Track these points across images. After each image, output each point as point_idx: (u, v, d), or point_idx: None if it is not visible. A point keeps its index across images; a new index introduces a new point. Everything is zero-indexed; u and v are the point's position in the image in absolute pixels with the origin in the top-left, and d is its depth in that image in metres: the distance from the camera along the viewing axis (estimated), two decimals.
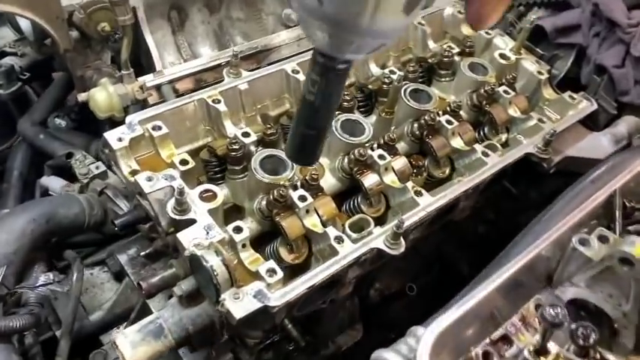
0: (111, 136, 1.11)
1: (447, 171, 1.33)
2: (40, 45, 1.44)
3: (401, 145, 1.34)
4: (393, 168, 1.21)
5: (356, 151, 1.18)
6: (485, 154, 1.26)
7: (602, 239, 0.82)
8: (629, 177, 0.93)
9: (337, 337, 1.61)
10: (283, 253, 1.10)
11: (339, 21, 0.57)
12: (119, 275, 1.36)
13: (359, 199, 1.21)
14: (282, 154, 1.14)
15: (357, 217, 1.17)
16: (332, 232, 1.06)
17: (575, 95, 1.44)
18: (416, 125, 1.31)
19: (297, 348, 1.36)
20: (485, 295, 0.77)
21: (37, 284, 1.07)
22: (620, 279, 0.77)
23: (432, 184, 1.33)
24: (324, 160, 1.26)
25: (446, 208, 1.22)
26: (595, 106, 1.43)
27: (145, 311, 1.26)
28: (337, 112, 1.24)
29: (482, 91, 1.38)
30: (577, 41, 1.62)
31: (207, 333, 1.05)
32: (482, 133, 1.42)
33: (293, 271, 1.09)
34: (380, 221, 1.20)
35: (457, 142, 1.30)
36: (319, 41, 0.60)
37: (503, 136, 1.42)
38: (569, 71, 1.64)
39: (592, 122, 1.48)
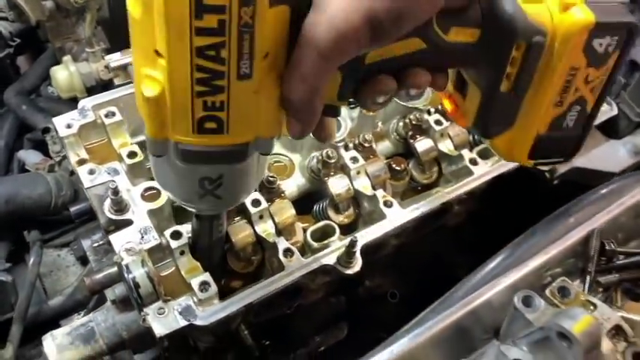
0: (59, 121, 1.04)
1: (434, 176, 1.21)
2: (19, 13, 1.37)
3: (385, 145, 1.22)
4: (366, 172, 1.09)
5: (324, 151, 1.07)
6: (474, 162, 1.12)
7: (563, 292, 0.69)
8: (617, 212, 0.78)
9: (316, 336, 1.54)
10: (231, 261, 1.02)
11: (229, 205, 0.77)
12: (85, 260, 1.32)
13: (326, 203, 1.10)
14: None
15: (321, 223, 1.07)
16: (282, 244, 0.96)
17: None
18: (401, 124, 1.19)
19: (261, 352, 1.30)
20: (415, 345, 0.66)
21: None
22: (565, 352, 0.65)
23: (418, 190, 1.21)
24: (295, 157, 1.15)
25: (420, 221, 1.10)
26: (615, 112, 1.25)
27: (104, 302, 1.22)
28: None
29: None
30: None
31: (145, 338, 0.99)
32: (475, 136, 1.27)
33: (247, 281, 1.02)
34: (350, 229, 1.09)
35: (446, 145, 1.17)
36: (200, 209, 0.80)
37: None
38: None
39: (612, 129, 1.30)
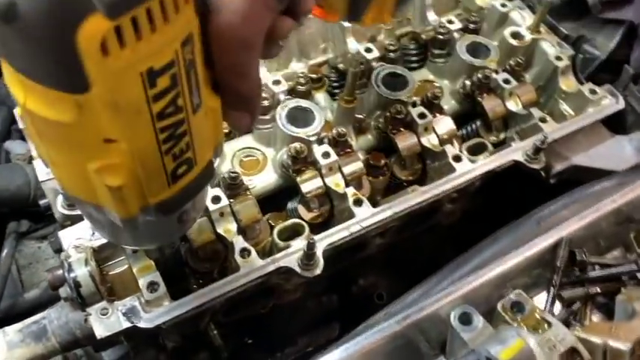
0: None
1: (417, 173, 1.13)
2: None
3: (366, 138, 1.15)
4: (339, 168, 1.03)
5: (293, 146, 1.01)
6: (457, 159, 1.04)
7: (517, 307, 0.61)
8: (592, 218, 0.70)
9: (305, 335, 1.49)
10: (192, 260, 0.97)
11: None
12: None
13: (297, 201, 1.05)
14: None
15: (289, 222, 1.01)
16: (239, 243, 0.91)
17: (597, 89, 1.16)
18: (382, 117, 1.11)
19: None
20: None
21: None
22: None
23: (403, 187, 1.14)
24: (268, 151, 1.10)
25: (402, 220, 1.04)
26: (621, 105, 1.15)
27: None
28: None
29: (475, 77, 1.15)
30: (627, 17, 1.31)
31: (101, 341, 0.96)
32: (472, 128, 1.19)
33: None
34: (324, 228, 1.03)
35: (429, 140, 1.09)
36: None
37: (501, 135, 1.19)
38: (614, 54, 1.34)
39: (619, 125, 1.20)
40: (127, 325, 0.82)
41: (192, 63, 0.48)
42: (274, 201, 1.10)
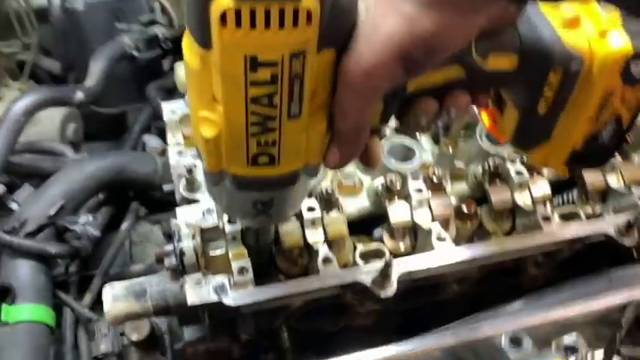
0: (167, 106, 1.19)
1: (506, 227, 1.16)
2: (170, 20, 1.60)
3: (461, 186, 1.21)
4: (430, 205, 1.09)
5: (388, 177, 1.09)
6: (546, 219, 1.07)
7: (570, 350, 0.63)
8: None
9: None
10: (280, 259, 1.07)
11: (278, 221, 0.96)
12: (170, 237, 1.45)
13: (383, 228, 1.12)
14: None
15: (373, 245, 1.09)
16: (322, 251, 1.00)
17: None
18: (480, 167, 1.17)
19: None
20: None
21: (76, 221, 1.20)
22: None
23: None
24: (366, 179, 1.18)
25: (482, 271, 1.07)
26: None
27: None
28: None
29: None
30: None
31: (189, 311, 1.07)
32: (568, 196, 1.20)
33: None
34: None
35: (522, 198, 1.12)
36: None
37: (597, 208, 1.19)
38: None
39: None
40: (214, 298, 0.92)
41: (298, 76, 0.53)
42: (364, 226, 1.18)
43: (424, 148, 1.23)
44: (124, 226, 1.38)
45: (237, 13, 0.48)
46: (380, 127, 0.69)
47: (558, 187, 1.19)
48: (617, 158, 1.17)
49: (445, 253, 1.01)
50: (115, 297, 1.04)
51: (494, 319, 0.72)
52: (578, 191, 1.20)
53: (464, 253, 1.01)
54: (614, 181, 1.16)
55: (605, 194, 1.18)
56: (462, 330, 0.65)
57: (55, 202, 1.25)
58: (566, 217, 1.14)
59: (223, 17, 0.48)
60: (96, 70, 1.63)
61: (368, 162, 0.71)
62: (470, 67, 0.64)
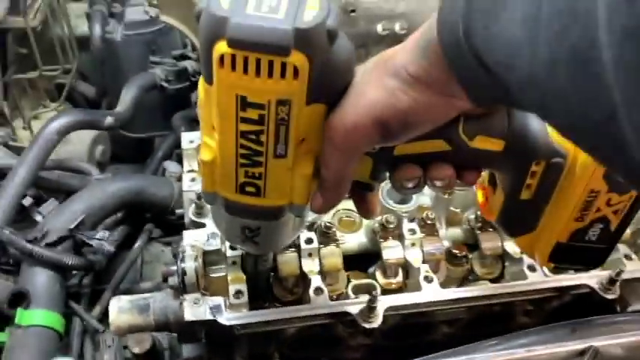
0: (186, 136, 1.28)
1: (496, 273, 1.21)
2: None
3: (455, 231, 1.26)
4: (422, 246, 1.15)
5: (384, 216, 1.16)
6: (532, 269, 1.12)
7: None
8: (627, 341, 0.75)
9: None
10: (276, 287, 1.13)
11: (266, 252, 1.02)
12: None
13: (377, 265, 1.18)
14: None
15: (365, 280, 1.15)
16: (315, 281, 1.06)
17: None
18: (473, 215, 1.23)
19: None
20: None
21: (94, 236, 1.29)
22: None
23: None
24: None
25: (472, 314, 1.12)
26: None
27: None
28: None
29: None
30: None
31: (187, 328, 1.14)
32: None
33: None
34: None
35: (512, 247, 1.17)
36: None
37: None
38: None
39: None
40: (209, 317, 0.99)
41: (284, 121, 0.58)
42: (361, 262, 1.24)
43: (423, 192, 1.30)
44: (137, 244, 1.46)
45: (233, 58, 0.55)
46: (372, 184, 0.74)
47: None
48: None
49: (430, 293, 1.07)
50: (121, 309, 1.12)
51: (461, 355, 0.77)
52: None
53: (449, 294, 1.06)
54: None
55: None
56: None
57: (76, 216, 1.34)
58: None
59: (221, 59, 0.55)
60: (127, 97, 1.75)
61: (365, 214, 0.78)
62: (455, 144, 0.66)
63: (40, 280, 1.26)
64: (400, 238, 1.16)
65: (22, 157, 1.43)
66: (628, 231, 1.21)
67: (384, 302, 1.02)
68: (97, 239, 1.29)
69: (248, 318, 1.00)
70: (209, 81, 0.60)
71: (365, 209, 0.77)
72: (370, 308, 1.00)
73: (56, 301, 1.26)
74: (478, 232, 1.20)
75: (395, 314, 1.10)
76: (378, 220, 1.17)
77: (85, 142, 1.86)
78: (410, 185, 0.70)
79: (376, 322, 1.01)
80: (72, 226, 1.32)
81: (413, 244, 1.14)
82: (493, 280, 1.21)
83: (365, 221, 1.24)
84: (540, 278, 1.10)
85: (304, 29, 0.54)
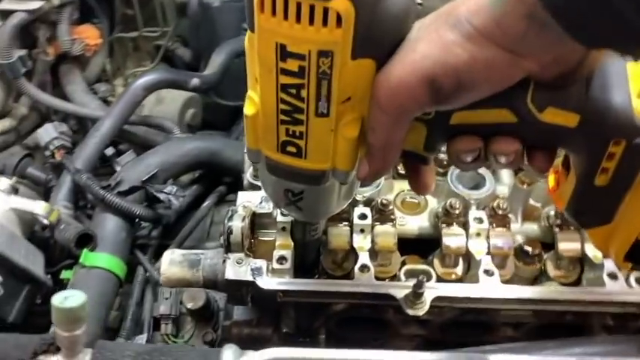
0: None
1: (572, 278, 1.08)
2: None
3: (531, 227, 1.14)
4: (488, 237, 1.05)
5: (450, 200, 1.06)
6: (613, 276, 0.98)
7: None
8: None
9: None
10: (325, 260, 1.09)
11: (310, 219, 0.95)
12: None
13: (436, 252, 1.09)
14: None
15: (420, 266, 1.07)
16: (363, 258, 1.00)
17: None
18: (553, 212, 1.10)
19: None
20: None
21: (162, 190, 1.33)
22: None
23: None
24: (432, 200, 1.17)
25: (538, 317, 1.01)
26: None
27: None
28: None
29: None
30: None
31: (233, 289, 1.13)
32: None
33: None
34: None
35: (593, 250, 1.04)
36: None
37: None
38: None
39: None
40: (249, 278, 0.97)
41: (326, 75, 0.54)
42: (422, 248, 1.16)
43: (503, 180, 1.19)
44: (206, 203, 1.48)
45: (274, 2, 0.52)
46: (428, 156, 0.68)
47: None
48: None
49: (488, 288, 0.97)
50: (172, 261, 1.13)
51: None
52: None
53: (507, 291, 0.96)
54: None
55: None
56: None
57: (149, 169, 1.39)
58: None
59: (262, 3, 0.52)
60: (216, 62, 1.77)
61: (417, 189, 0.71)
62: (522, 115, 0.58)
63: (108, 225, 1.31)
64: (465, 226, 1.06)
65: (109, 109, 1.50)
66: None
67: (432, 290, 0.94)
68: (165, 193, 1.32)
69: (287, 285, 0.97)
70: (252, 28, 0.56)
71: (418, 184, 0.70)
72: (416, 294, 0.93)
73: (120, 248, 1.31)
74: (557, 229, 1.07)
75: (451, 307, 1.01)
76: (443, 204, 1.09)
77: (178, 104, 1.93)
78: (468, 159, 0.62)
79: (422, 310, 0.94)
80: (144, 178, 1.36)
81: (478, 234, 1.04)
82: (567, 286, 1.08)
83: (430, 205, 1.16)
84: (622, 289, 0.96)
85: None
